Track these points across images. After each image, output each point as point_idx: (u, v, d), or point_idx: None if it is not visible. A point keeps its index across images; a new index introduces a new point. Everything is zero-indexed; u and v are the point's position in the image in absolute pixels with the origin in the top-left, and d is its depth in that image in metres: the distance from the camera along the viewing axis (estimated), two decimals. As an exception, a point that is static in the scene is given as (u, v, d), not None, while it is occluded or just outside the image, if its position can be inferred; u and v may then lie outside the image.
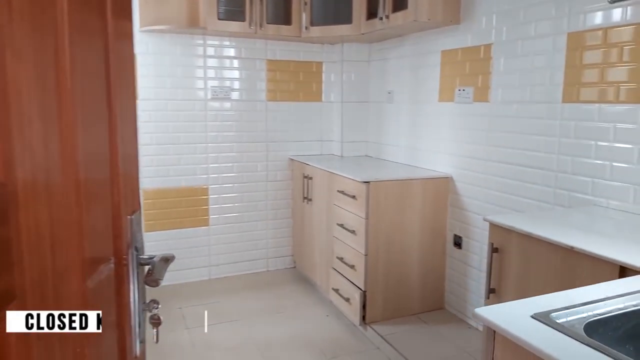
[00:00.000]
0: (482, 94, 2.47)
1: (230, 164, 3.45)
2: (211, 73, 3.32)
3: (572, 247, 1.38)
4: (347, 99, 3.47)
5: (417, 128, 3.00)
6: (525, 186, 2.24)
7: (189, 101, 3.29)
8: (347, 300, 2.76)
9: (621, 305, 0.98)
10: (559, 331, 0.86)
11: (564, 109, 2.03)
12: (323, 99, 3.62)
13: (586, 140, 1.94)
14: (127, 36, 0.81)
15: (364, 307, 2.66)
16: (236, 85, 3.39)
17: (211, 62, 3.31)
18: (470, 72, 2.55)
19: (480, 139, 2.49)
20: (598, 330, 0.93)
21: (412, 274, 2.74)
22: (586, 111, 1.93)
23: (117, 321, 0.72)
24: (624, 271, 1.27)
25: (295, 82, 3.54)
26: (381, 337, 2.54)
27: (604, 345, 0.80)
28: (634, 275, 1.24)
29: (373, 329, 2.62)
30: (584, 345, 0.81)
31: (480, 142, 2.50)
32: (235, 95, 3.39)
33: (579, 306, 0.95)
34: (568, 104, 2.01)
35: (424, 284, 2.78)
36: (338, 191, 2.84)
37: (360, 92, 3.50)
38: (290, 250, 3.70)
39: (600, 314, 0.94)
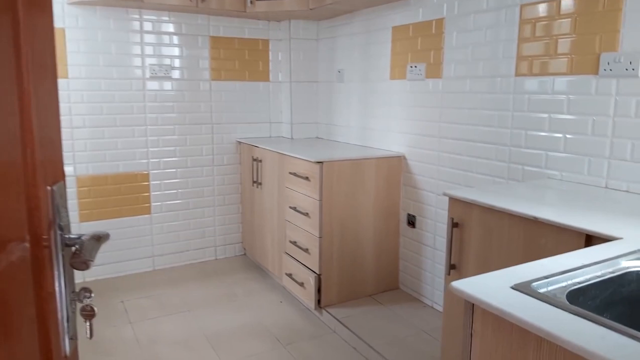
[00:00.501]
0: (434, 70, 2.43)
1: (173, 148, 3.25)
2: (149, 50, 3.09)
3: (535, 218, 1.35)
4: (296, 78, 3.35)
5: (368, 107, 2.93)
6: (479, 162, 2.22)
7: (125, 80, 3.05)
8: (301, 284, 2.67)
9: (599, 273, 0.94)
10: (543, 301, 0.80)
11: (517, 82, 2.01)
12: (271, 78, 3.48)
13: (540, 114, 1.93)
14: (43, 7, 0.67)
15: (318, 290, 2.58)
16: (177, 63, 3.18)
17: (149, 38, 3.09)
18: (422, 48, 2.49)
19: (433, 116, 2.45)
20: (578, 299, 0.89)
21: (367, 255, 2.69)
22: (540, 84, 1.92)
23: (38, 314, 0.58)
24: (589, 239, 1.24)
25: (241, 61, 3.37)
26: (337, 320, 2.47)
27: (592, 314, 0.74)
28: (599, 243, 1.22)
29: (329, 312, 2.55)
30: (572, 315, 0.75)
31: (433, 119, 2.46)
32: (176, 74, 3.19)
33: (557, 275, 0.90)
34: (521, 77, 2.00)
35: (378, 265, 2.74)
36: (290, 173, 2.73)
37: (309, 72, 3.39)
38: (239, 237, 3.55)
39: (579, 282, 0.90)
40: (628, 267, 0.97)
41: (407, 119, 2.63)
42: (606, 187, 1.72)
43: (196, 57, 3.23)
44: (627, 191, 1.66)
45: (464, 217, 1.62)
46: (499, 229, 1.49)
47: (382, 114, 2.82)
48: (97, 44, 2.95)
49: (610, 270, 0.95)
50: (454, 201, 1.65)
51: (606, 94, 1.69)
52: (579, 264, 0.95)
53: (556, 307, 0.78)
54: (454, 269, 1.67)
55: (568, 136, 1.84)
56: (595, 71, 1.72)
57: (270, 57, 3.45)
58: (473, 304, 0.86)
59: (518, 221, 1.43)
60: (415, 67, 2.53)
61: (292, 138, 3.41)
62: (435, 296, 2.58)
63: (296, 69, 3.34)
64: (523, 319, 0.74)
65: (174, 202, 3.30)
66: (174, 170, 3.27)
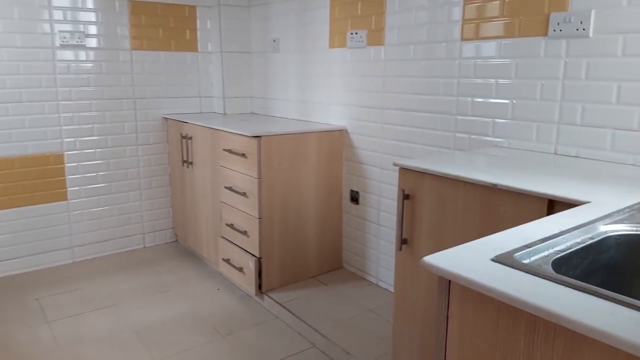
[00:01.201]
0: (376, 37, 2.30)
1: (90, 126, 2.91)
2: (58, 15, 2.73)
3: (495, 185, 1.26)
4: (227, 48, 3.10)
5: (307, 79, 2.76)
6: (424, 132, 2.12)
7: (31, 49, 2.67)
8: (240, 270, 2.49)
9: (579, 240, 0.84)
10: (532, 274, 0.68)
11: (463, 47, 1.92)
12: (199, 48, 3.20)
13: (487, 79, 1.86)
14: None
15: (259, 275, 2.41)
16: (92, 30, 2.84)
17: (58, 1, 2.72)
18: (362, 14, 2.35)
19: (376, 86, 2.33)
20: (561, 269, 0.78)
21: (309, 235, 2.55)
22: (486, 48, 1.84)
23: None
24: (552, 205, 1.16)
25: (165, 29, 3.07)
26: (280, 304, 2.32)
27: (593, 286, 0.63)
28: (562, 209, 1.14)
29: (270, 297, 2.39)
30: (569, 288, 0.64)
31: (375, 90, 2.34)
32: (91, 42, 2.84)
33: (538, 243, 0.79)
34: (467, 42, 1.91)
35: (321, 245, 2.61)
36: (224, 150, 2.51)
37: (241, 41, 3.15)
38: (170, 223, 3.29)
39: (562, 251, 0.79)
40: (606, 232, 0.88)
41: (348, 90, 2.49)
42: (555, 153, 1.67)
43: (114, 24, 2.90)
44: (576, 156, 1.61)
45: (416, 188, 1.51)
46: (453, 199, 1.39)
47: (322, 86, 2.66)
48: (-7, 6, 2.55)
49: (589, 235, 0.86)
50: (404, 171, 1.53)
51: (556, 56, 1.63)
52: (557, 231, 0.85)
53: (548, 279, 0.66)
54: (406, 243, 1.56)
55: (515, 102, 1.77)
56: (545, 32, 1.65)
57: (198, 25, 3.18)
58: (449, 281, 0.73)
59: (474, 189, 1.33)
60: (356, 34, 2.38)
61: (224, 113, 3.18)
62: (380, 273, 2.50)
63: (227, 38, 3.09)
64: (513, 296, 0.62)
65: (94, 186, 2.98)
66: (92, 150, 2.94)
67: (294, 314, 2.24)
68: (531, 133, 1.73)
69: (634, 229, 0.89)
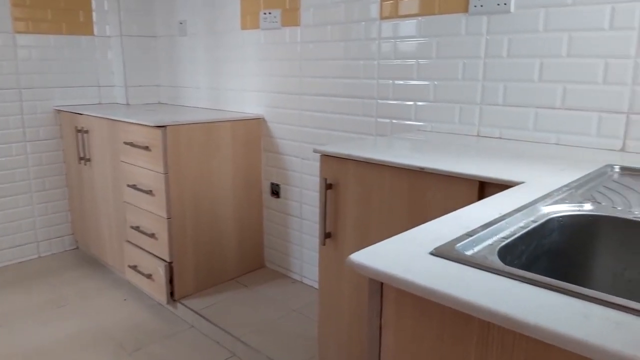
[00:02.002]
0: (291, 17, 2.13)
1: (-36, 119, 2.50)
2: None
3: (422, 169, 1.15)
4: (128, 32, 2.80)
5: (218, 64, 2.54)
6: (345, 119, 2.00)
7: None
8: (149, 276, 2.24)
9: (522, 224, 0.73)
10: (479, 268, 0.55)
11: (382, 26, 1.82)
12: (96, 32, 2.87)
13: (407, 60, 1.76)
14: None
15: (171, 281, 2.18)
16: (-41, 7, 2.42)
17: None
18: (275, -8, 2.18)
19: (293, 71, 2.17)
20: (506, 259, 0.67)
21: (226, 234, 2.35)
22: (406, 27, 1.74)
23: None
24: (483, 187, 1.07)
25: (55, 9, 2.71)
26: (195, 312, 2.11)
27: (550, 280, 0.52)
28: (494, 190, 1.05)
29: (184, 305, 2.17)
30: (523, 283, 0.51)
31: (293, 74, 2.18)
32: (-42, 21, 2.43)
33: (480, 230, 0.67)
34: (386, 21, 1.80)
35: (240, 243, 2.42)
36: (125, 143, 2.24)
37: (144, 24, 2.86)
38: (69, 228, 2.94)
39: (506, 237, 0.68)
40: (549, 214, 0.78)
41: (263, 75, 2.31)
42: (478, 135, 1.61)
43: (-13, 1, 2.50)
44: (499, 137, 1.56)
45: (339, 176, 1.37)
46: (379, 186, 1.27)
47: (235, 72, 2.46)
48: None
49: (532, 218, 0.76)
50: (326, 158, 1.39)
51: (477, 33, 1.56)
52: (497, 215, 0.74)
53: (501, 274, 0.54)
54: (330, 237, 1.42)
55: (437, 83, 1.69)
56: (465, 9, 1.57)
57: (94, 6, 2.84)
58: (382, 284, 0.58)
59: (401, 174, 1.21)
60: (270, 13, 2.20)
61: (128, 104, 2.87)
62: (304, 270, 2.35)
63: (128, 20, 2.79)
64: (462, 299, 0.49)
65: (-27, 189, 2.57)
66: (-33, 148, 2.53)
67: (210, 322, 2.03)
68: (454, 115, 1.66)
69: (576, 209, 0.81)
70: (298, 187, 2.28)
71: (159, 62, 2.93)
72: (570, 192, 0.88)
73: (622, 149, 1.32)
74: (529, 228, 0.72)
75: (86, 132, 2.54)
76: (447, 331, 0.54)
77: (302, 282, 2.37)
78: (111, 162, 2.40)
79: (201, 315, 2.08)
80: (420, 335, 0.56)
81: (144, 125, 2.09)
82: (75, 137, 2.65)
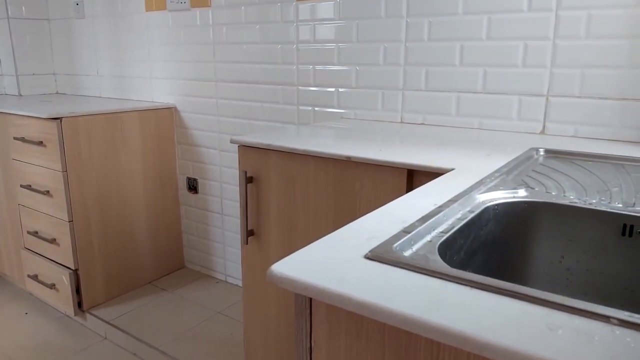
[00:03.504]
0: (201, -2, 1.97)
1: None
2: None
3: (349, 158, 1.07)
4: (16, 14, 2.47)
5: (122, 49, 2.31)
6: (265, 107, 1.89)
7: None
8: (53, 286, 2.00)
9: (459, 215, 0.67)
10: (421, 272, 0.48)
11: (300, 7, 1.71)
12: (-26, 12, 2.51)
13: (327, 45, 1.68)
14: None
15: (77, 290, 1.96)
16: None
17: None
18: (183, -30, 2.00)
19: (206, 56, 2.01)
20: (446, 256, 0.61)
21: (140, 234, 2.15)
22: (323, 8, 1.66)
23: None
24: (411, 175, 1.01)
25: None
26: (107, 323, 1.91)
27: (505, 284, 0.45)
28: (424, 179, 0.99)
29: (95, 315, 1.96)
30: (474, 289, 0.45)
31: (206, 60, 2.02)
32: None
33: (417, 226, 0.60)
34: (303, 3, 1.70)
35: (157, 244, 2.23)
36: (16, 138, 1.97)
37: (34, 5, 2.54)
38: (-45, 236, 2.57)
39: (445, 232, 0.61)
40: (484, 202, 0.73)
41: (173, 60, 2.13)
42: (402, 122, 1.57)
43: None
44: (422, 124, 1.52)
45: (260, 169, 1.26)
46: (303, 178, 1.18)
47: (141, 57, 2.25)
48: None
49: (468, 208, 0.70)
50: (244, 150, 1.27)
51: (397, 15, 1.50)
52: (433, 206, 0.68)
53: (447, 279, 0.46)
54: (253, 235, 1.32)
55: (359, 68, 1.62)
56: (385, -10, 1.51)
57: (-30, -18, 2.48)
58: (311, 299, 0.49)
59: (326, 165, 1.13)
60: (177, -7, 2.02)
61: (20, 95, 2.55)
62: (227, 268, 2.22)
63: (15, 0, 2.46)
64: (406, 315, 0.41)
65: None
66: None
67: (125, 332, 1.85)
68: (377, 102, 1.60)
69: (511, 195, 0.77)
70: (217, 182, 2.14)
71: (55, 48, 2.63)
72: (502, 177, 0.84)
73: (543, 132, 1.33)
74: (466, 219, 0.66)
75: (-32, 127, 2.22)
76: (388, 353, 0.45)
77: (226, 282, 2.24)
78: (1, 160, 2.11)
79: (114, 326, 1.89)
80: (357, 357, 0.48)
81: (36, 117, 1.84)
82: (-46, 134, 2.30)
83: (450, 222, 0.65)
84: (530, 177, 0.87)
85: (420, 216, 0.64)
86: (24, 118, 1.90)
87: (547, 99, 1.30)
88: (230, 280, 2.23)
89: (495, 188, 0.78)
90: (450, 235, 0.62)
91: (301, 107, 1.79)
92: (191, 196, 2.26)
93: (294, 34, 1.75)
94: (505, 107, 1.37)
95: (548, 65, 1.28)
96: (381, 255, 0.51)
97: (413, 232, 0.58)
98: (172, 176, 2.25)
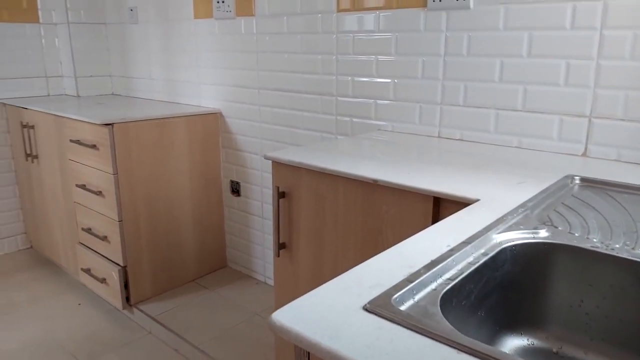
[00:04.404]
0: (245, 6, 2.02)
1: None
2: None
3: (375, 181, 1.08)
4: (76, 18, 2.63)
5: (172, 54, 2.41)
6: (304, 116, 1.92)
7: None
8: (103, 281, 2.13)
9: (471, 259, 0.67)
10: (415, 330, 0.49)
11: (340, 19, 1.72)
12: (41, 19, 2.68)
13: (366, 56, 1.68)
14: None
15: (126, 286, 2.08)
16: None
17: None
18: (230, -20, 2.05)
19: (250, 63, 2.07)
20: (452, 303, 0.61)
21: (186, 234, 2.25)
22: (364, 20, 1.66)
23: None
24: (438, 202, 1.01)
25: (-8, -6, 2.52)
26: (152, 318, 2.02)
27: (495, 350, 0.45)
28: (449, 206, 0.99)
29: (141, 310, 2.08)
30: (465, 355, 0.45)
31: (249, 67, 2.07)
32: None
33: (423, 272, 0.61)
34: (344, 14, 1.71)
35: (201, 243, 2.33)
36: (72, 141, 2.10)
37: (92, 10, 2.68)
38: (22, 227, 2.79)
39: (452, 279, 0.62)
40: (501, 243, 0.73)
41: (219, 67, 2.20)
42: (439, 137, 1.55)
43: None
44: (460, 139, 1.50)
45: (292, 185, 1.29)
46: (333, 196, 1.20)
47: (190, 63, 2.33)
48: None
49: (482, 251, 0.70)
50: (278, 166, 1.30)
51: (436, 30, 1.49)
52: (445, 247, 0.68)
53: (442, 342, 0.47)
54: (284, 248, 1.35)
55: (397, 81, 1.62)
56: (424, 3, 1.50)
57: (37, -9, 2.65)
58: (309, 353, 0.52)
59: (355, 186, 1.14)
60: (223, 2, 2.08)
61: (78, 96, 2.71)
62: (267, 271, 2.29)
63: (75, 6, 2.61)
64: (391, 377, 0.42)
65: None
66: None
67: (168, 329, 1.95)
68: (414, 115, 1.59)
69: (531, 235, 0.75)
70: (259, 186, 2.19)
71: (111, 51, 2.77)
72: (526, 213, 0.83)
73: (585, 154, 1.28)
74: (478, 264, 0.66)
75: (32, 127, 2.39)
76: (377, 409, 0.47)
77: (265, 283, 2.30)
78: (59, 160, 2.26)
79: (158, 322, 1.99)
80: (350, 409, 0.50)
81: (89, 122, 1.96)
82: (21, 133, 2.49)
83: (459, 267, 0.65)
84: (557, 212, 0.85)
85: (429, 260, 0.64)
86: (80, 122, 2.02)
87: (589, 120, 1.25)
88: (269, 282, 2.29)
89: (516, 227, 0.77)
90: (457, 282, 0.62)
91: (339, 118, 1.81)
92: (234, 199, 2.33)
93: (334, 45, 1.76)
94: (545, 126, 1.33)
95: (591, 86, 1.23)
96: (379, 307, 0.53)
97: (416, 281, 0.59)
98: (216, 179, 2.33)
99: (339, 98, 1.79)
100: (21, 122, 2.46)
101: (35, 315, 2.16)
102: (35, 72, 2.71)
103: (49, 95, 2.76)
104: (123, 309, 2.11)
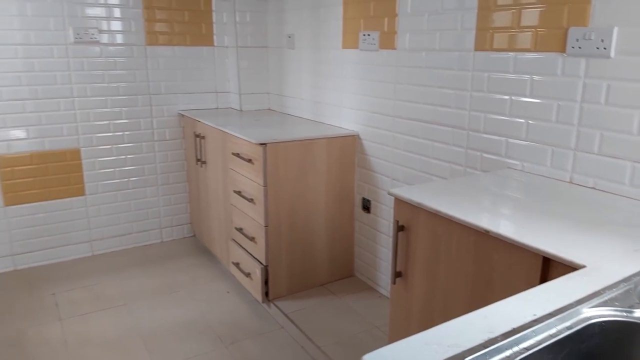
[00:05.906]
0: (388, 40, 2.17)
1: (106, 122, 2.93)
2: (71, 10, 2.72)
3: (487, 231, 1.15)
4: (243, 43, 3.03)
5: (320, 78, 2.66)
6: (435, 146, 2.00)
7: (45, 46, 2.69)
8: (248, 275, 2.47)
9: (553, 331, 0.74)
10: (478, 395, 0.59)
11: (476, 58, 1.78)
12: (215, 42, 3.15)
13: (500, 95, 1.71)
14: None
15: (266, 282, 2.38)
16: (105, 26, 2.82)
17: (72, -3, 2.71)
18: (375, 14, 2.22)
19: (388, 92, 2.21)
20: (525, 371, 0.69)
21: (319, 242, 2.49)
22: (500, 61, 1.69)
23: None
24: (547, 262, 1.05)
25: (180, 23, 3.02)
26: (285, 315, 2.29)
27: None
28: (557, 267, 1.03)
29: (277, 306, 2.36)
30: None
31: (387, 96, 2.22)
32: (104, 38, 2.83)
33: (500, 340, 0.70)
34: (481, 53, 1.76)
35: (332, 252, 2.55)
36: (233, 154, 2.47)
37: (257, 36, 3.07)
38: (188, 218, 3.31)
39: (529, 348, 0.70)
40: (590, 319, 0.77)
41: (360, 93, 2.38)
42: (571, 182, 1.53)
43: (127, 19, 2.87)
44: (593, 188, 1.47)
45: (411, 220, 1.41)
46: (447, 238, 1.30)
47: (334, 87, 2.56)
48: (9, 4, 2.56)
49: (568, 324, 0.76)
50: (399, 202, 1.43)
51: (574, 75, 1.47)
52: (530, 317, 0.76)
53: (493, 406, 0.57)
54: (400, 276, 1.48)
55: (531, 122, 1.63)
56: (563, 48, 1.49)
57: (214, 19, 3.11)
58: (388, 392, 0.65)
59: (468, 232, 1.23)
60: (368, 35, 2.25)
61: (241, 110, 3.13)
62: (390, 286, 2.42)
63: (243, 32, 3.01)
64: None
65: (112, 181, 3.02)
66: (108, 146, 2.96)
67: (297, 327, 2.20)
68: (546, 157, 1.59)
69: (624, 313, 0.78)
70: (387, 206, 2.34)
71: (270, 72, 3.13)
72: (628, 288, 0.85)
73: None
74: (559, 337, 0.73)
75: (203, 137, 2.83)
76: None
77: (387, 298, 2.44)
78: (222, 167, 2.66)
79: (290, 319, 2.26)
80: None
81: (248, 141, 2.29)
82: (194, 141, 2.96)
83: (539, 338, 0.72)
84: (666, 291, 0.85)
85: (510, 328, 0.73)
86: (240, 140, 2.37)
87: None
88: (390, 295, 2.43)
89: (611, 302, 0.80)
90: (534, 352, 0.70)
91: (470, 151, 1.86)
92: (364, 215, 2.50)
93: (469, 82, 1.82)
94: (688, 185, 1.25)
95: None
96: (451, 367, 0.64)
97: (491, 347, 0.68)
98: (349, 195, 2.53)
99: (471, 132, 1.84)
100: (194, 132, 2.93)
101: (192, 297, 2.58)
102: (208, 88, 3.19)
103: (217, 109, 3.22)
104: (262, 302, 2.43)
